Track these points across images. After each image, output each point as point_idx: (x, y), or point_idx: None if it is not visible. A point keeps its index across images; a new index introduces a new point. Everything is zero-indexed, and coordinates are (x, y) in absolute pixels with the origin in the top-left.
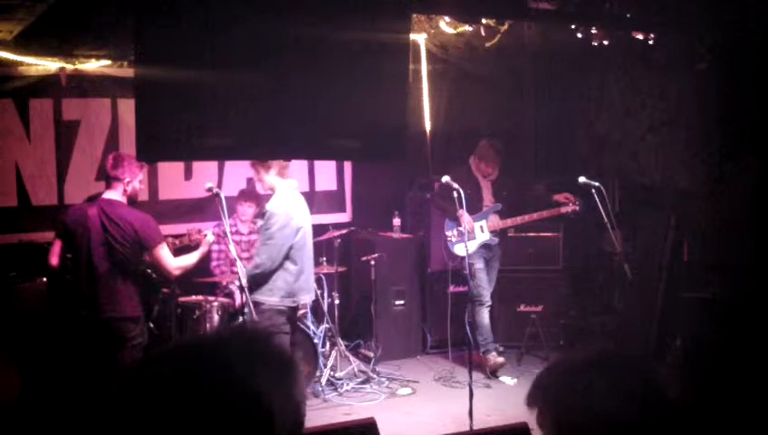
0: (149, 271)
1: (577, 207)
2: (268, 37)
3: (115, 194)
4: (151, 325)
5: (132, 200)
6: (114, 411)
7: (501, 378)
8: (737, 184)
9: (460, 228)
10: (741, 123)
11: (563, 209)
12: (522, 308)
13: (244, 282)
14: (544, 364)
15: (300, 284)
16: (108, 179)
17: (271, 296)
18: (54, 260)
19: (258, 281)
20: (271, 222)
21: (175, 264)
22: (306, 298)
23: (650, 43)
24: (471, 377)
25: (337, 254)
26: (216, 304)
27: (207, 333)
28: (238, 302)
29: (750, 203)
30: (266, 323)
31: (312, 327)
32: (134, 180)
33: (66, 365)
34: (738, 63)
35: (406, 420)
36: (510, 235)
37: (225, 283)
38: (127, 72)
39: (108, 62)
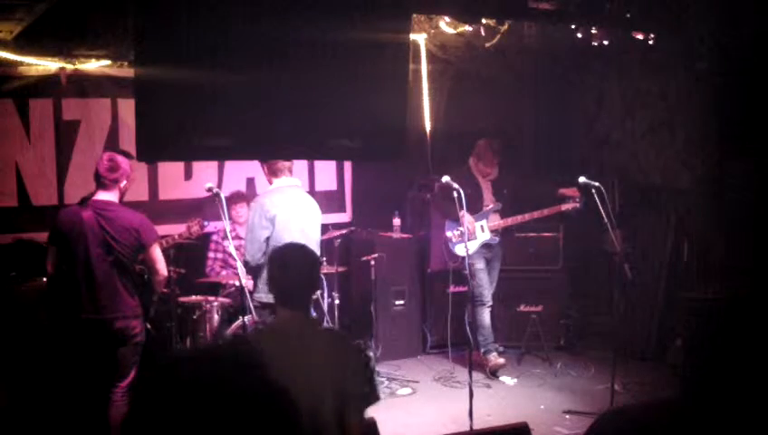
0: (144, 271)
1: (578, 204)
2: (268, 37)
3: (110, 195)
4: (148, 326)
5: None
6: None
7: (501, 378)
8: (737, 184)
9: (461, 228)
10: (741, 123)
11: (564, 207)
12: (522, 308)
13: (244, 282)
14: (545, 364)
15: None
16: (101, 181)
17: (263, 292)
18: (51, 267)
19: (254, 278)
20: (249, 215)
21: (164, 263)
22: None
23: (650, 43)
24: (471, 377)
25: (337, 254)
26: (216, 304)
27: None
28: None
29: (750, 203)
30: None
31: None
32: (128, 180)
33: (66, 365)
34: (738, 63)
35: (406, 420)
36: (515, 235)
37: (226, 283)
38: (127, 72)
39: (108, 62)
